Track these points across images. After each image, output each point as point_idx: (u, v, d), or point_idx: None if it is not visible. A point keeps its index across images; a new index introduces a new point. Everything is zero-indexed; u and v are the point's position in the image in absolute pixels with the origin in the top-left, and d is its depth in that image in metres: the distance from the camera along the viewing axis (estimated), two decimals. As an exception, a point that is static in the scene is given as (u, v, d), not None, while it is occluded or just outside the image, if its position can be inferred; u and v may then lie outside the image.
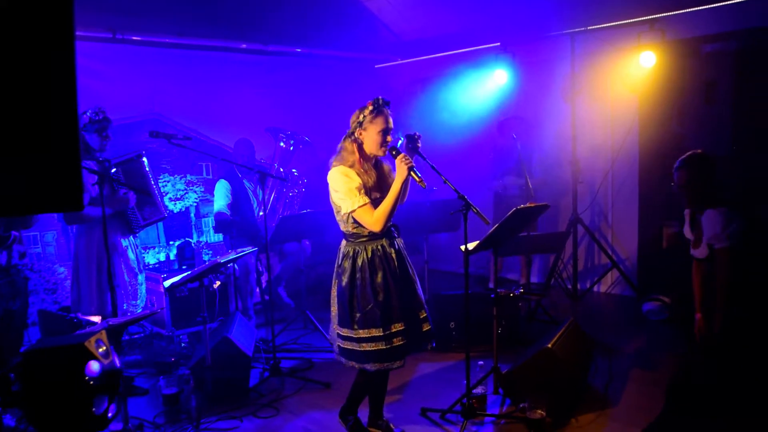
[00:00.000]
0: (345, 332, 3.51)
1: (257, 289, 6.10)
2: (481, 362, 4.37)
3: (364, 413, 3.92)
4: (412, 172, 3.35)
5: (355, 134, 3.46)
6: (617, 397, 4.33)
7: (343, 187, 3.39)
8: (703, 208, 3.72)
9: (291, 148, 6.29)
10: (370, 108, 3.42)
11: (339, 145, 3.54)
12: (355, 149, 3.46)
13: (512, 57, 6.79)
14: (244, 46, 7.05)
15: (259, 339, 5.49)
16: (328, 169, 3.51)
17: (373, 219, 3.38)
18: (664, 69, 6.06)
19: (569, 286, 6.90)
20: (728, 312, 3.62)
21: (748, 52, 5.67)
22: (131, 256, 5.00)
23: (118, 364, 3.44)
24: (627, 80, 6.37)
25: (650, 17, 6.02)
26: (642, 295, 6.38)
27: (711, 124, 5.58)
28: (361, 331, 3.45)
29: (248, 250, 4.56)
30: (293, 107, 7.36)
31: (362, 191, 3.40)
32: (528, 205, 3.87)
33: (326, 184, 3.53)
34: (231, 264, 5.36)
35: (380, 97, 3.46)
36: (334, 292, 3.62)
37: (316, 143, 6.68)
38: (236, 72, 7.14)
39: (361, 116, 3.44)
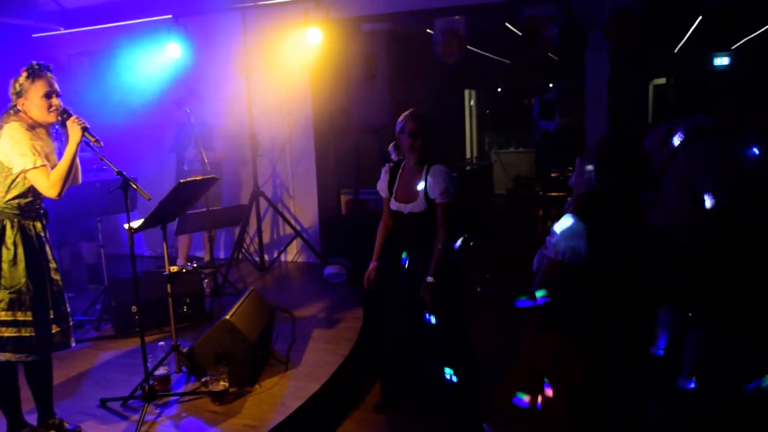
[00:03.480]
0: None
1: None
2: (161, 343, 4.26)
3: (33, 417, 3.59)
4: (86, 133, 3.21)
5: (18, 106, 3.21)
6: (299, 357, 4.55)
7: (24, 144, 3.12)
8: (429, 163, 3.77)
9: None
10: (25, 75, 3.18)
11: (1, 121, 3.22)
12: (24, 119, 3.21)
13: (185, 30, 6.63)
14: None
15: None
16: None
17: (50, 182, 3.16)
18: (330, 46, 6.42)
19: (257, 258, 7.05)
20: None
21: (399, 32, 6.28)
22: None
23: None
24: (299, 55, 6.61)
25: (314, -4, 6.31)
26: (324, 260, 6.77)
27: (373, 98, 6.07)
28: (3, 312, 3.17)
29: None
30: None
31: (41, 154, 3.18)
32: (194, 178, 3.84)
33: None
34: None
35: (35, 62, 3.22)
36: None
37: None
38: None
39: (17, 85, 3.19)
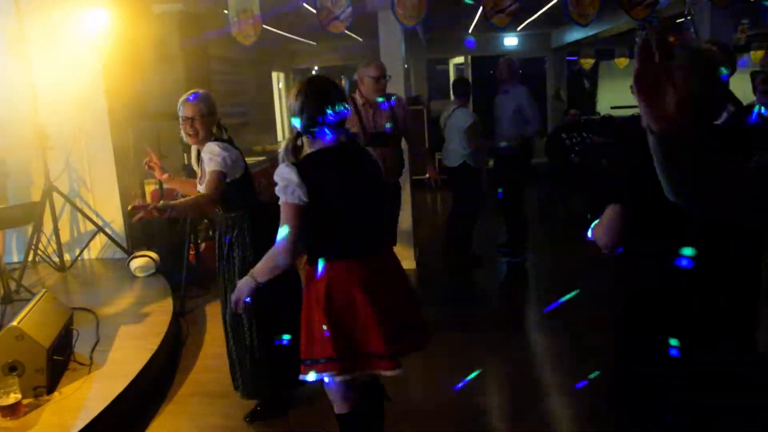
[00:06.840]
0: None
1: None
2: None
3: None
4: None
5: None
6: (104, 357, 4.33)
7: None
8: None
9: None
10: None
11: None
12: None
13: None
14: None
15: None
16: None
17: None
18: (120, 27, 6.10)
19: (56, 259, 6.57)
20: None
21: (192, 14, 6.09)
22: None
23: None
24: (87, 37, 6.20)
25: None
26: (131, 254, 6.45)
27: (169, 83, 5.83)
28: None
29: None
30: None
31: None
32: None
33: None
34: None
35: None
36: None
37: None
38: None
39: None
